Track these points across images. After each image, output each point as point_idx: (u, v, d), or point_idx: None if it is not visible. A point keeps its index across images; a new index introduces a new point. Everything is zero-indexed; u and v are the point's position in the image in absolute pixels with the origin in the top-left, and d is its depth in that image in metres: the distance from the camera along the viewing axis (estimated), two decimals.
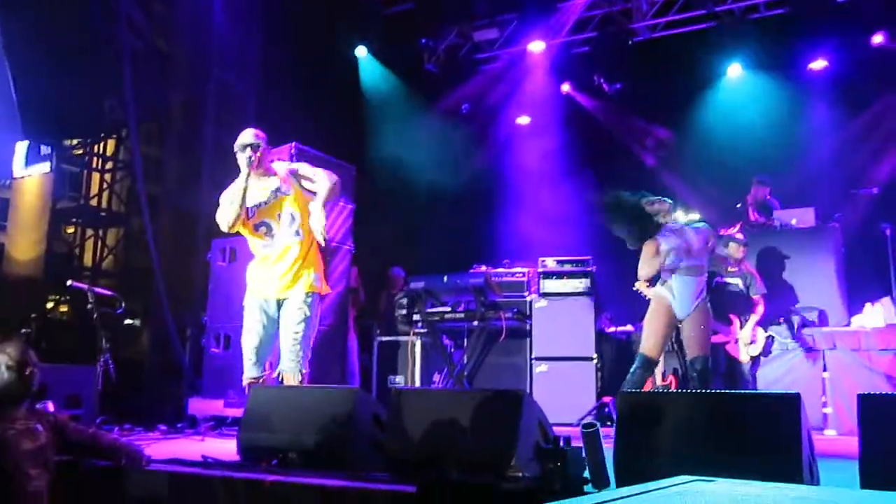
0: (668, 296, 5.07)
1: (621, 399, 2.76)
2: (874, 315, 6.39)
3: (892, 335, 6.06)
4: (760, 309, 6.42)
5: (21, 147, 6.82)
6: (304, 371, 4.03)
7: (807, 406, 2.61)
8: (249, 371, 4.10)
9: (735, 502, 1.83)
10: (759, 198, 7.67)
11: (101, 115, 6.64)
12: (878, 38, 8.18)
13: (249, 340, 4.13)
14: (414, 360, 7.12)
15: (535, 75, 9.85)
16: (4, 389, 3.00)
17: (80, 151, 9.51)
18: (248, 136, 4.20)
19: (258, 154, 4.14)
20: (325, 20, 9.27)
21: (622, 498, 1.54)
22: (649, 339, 5.10)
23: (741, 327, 6.34)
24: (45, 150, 6.54)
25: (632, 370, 5.12)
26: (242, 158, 4.16)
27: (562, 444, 2.73)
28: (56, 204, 9.82)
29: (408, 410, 3.28)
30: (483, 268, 7.43)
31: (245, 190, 4.12)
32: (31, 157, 6.99)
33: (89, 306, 4.87)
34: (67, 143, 8.93)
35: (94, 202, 9.78)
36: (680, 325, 5.14)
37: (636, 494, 1.72)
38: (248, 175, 4.12)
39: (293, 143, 5.89)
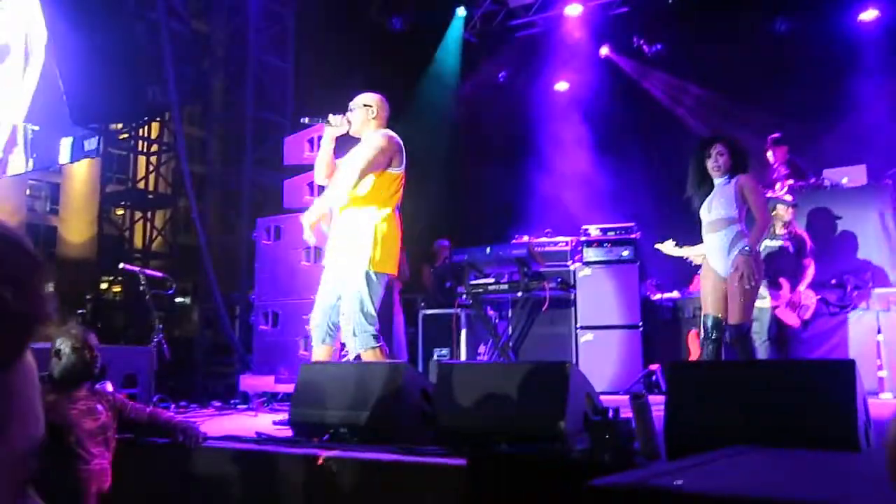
0: (707, 253, 4.89)
1: (672, 369, 2.74)
2: None
3: None
4: (811, 271, 6.27)
5: (66, 142, 6.97)
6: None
7: (861, 370, 2.55)
8: None
9: (784, 472, 1.81)
10: (781, 159, 7.45)
11: (144, 98, 6.74)
12: None
13: None
14: (459, 332, 7.15)
15: (573, 39, 9.68)
16: (68, 371, 3.11)
17: (126, 135, 9.67)
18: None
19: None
20: None
21: (677, 471, 1.53)
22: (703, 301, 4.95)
23: (791, 291, 6.22)
24: (89, 144, 6.66)
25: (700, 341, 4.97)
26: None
27: (610, 415, 2.72)
28: (105, 188, 10.03)
29: (455, 384, 3.31)
30: (525, 238, 7.39)
31: None
32: (76, 152, 7.13)
33: (141, 288, 4.99)
34: (113, 127, 9.09)
35: (141, 185, 9.97)
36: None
37: (689, 467, 1.71)
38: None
39: None
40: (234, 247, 8.17)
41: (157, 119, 9.46)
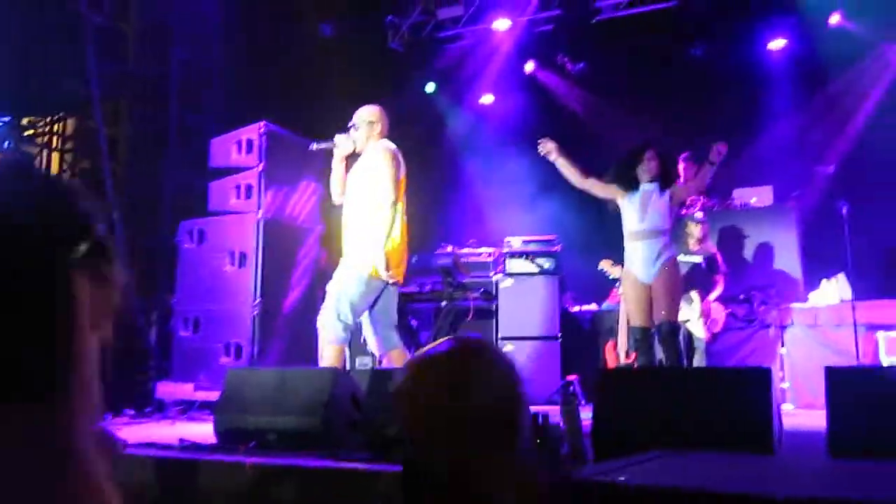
0: (629, 262, 5.10)
1: (600, 375, 2.83)
2: (830, 291, 6.59)
3: (845, 311, 6.26)
4: (720, 287, 6.57)
5: None
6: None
7: None
8: None
9: (709, 471, 1.91)
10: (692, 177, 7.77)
11: (60, 92, 6.49)
12: (835, 18, 8.36)
13: None
14: None
15: (500, 54, 9.85)
16: None
17: (34, 131, 9.25)
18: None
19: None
20: None
21: (612, 470, 1.60)
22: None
23: (701, 304, 6.49)
24: None
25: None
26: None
27: (540, 420, 2.79)
28: None
29: (385, 390, 3.32)
30: (450, 248, 7.46)
31: None
32: None
33: None
34: (25, 121, 8.69)
35: None
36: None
37: (622, 467, 1.78)
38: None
39: (261, 123, 5.84)
40: (152, 250, 7.93)
41: (74, 115, 9.10)
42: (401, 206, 4.43)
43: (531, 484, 1.27)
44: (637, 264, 4.97)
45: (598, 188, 5.20)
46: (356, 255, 4.30)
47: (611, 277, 6.58)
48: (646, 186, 5.01)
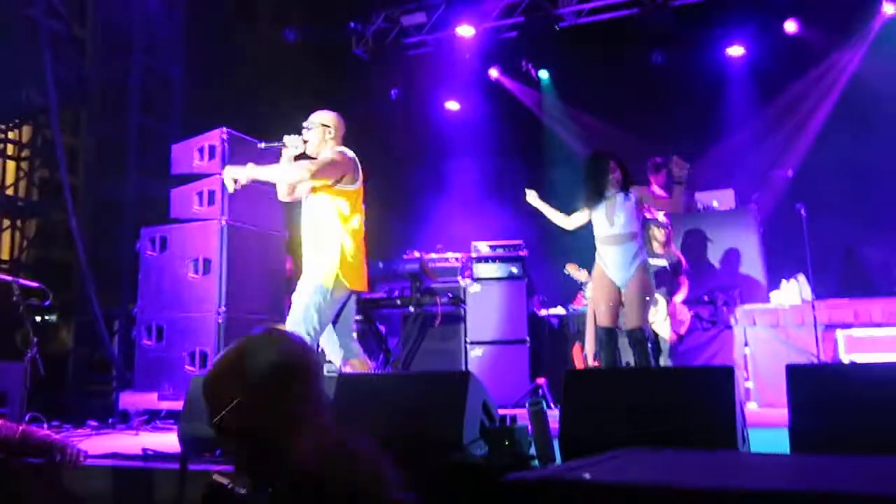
0: (601, 265, 5.16)
1: (567, 377, 2.85)
2: (790, 292, 6.70)
3: (807, 311, 6.37)
4: (685, 288, 6.66)
5: None
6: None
7: None
8: None
9: (675, 468, 1.93)
10: (661, 182, 7.84)
11: (17, 100, 6.37)
12: (791, 26, 8.55)
13: None
14: None
15: (464, 60, 9.89)
16: None
17: None
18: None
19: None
20: (250, 4, 9.10)
21: (579, 468, 1.61)
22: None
23: (667, 306, 6.57)
24: None
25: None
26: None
27: (507, 422, 2.79)
28: None
29: (352, 395, 3.30)
30: (416, 253, 7.45)
31: None
32: None
33: (14, 299, 4.68)
34: None
35: (9, 191, 9.35)
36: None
37: (589, 465, 1.79)
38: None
39: (223, 129, 5.79)
40: (113, 259, 7.80)
41: (29, 122, 8.93)
42: (359, 217, 4.35)
43: (329, 439, 1.68)
44: (611, 267, 5.04)
45: (580, 219, 5.28)
46: (312, 266, 4.22)
47: (578, 281, 6.65)
48: (611, 195, 5.09)
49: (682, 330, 6.59)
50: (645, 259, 5.08)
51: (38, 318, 10.38)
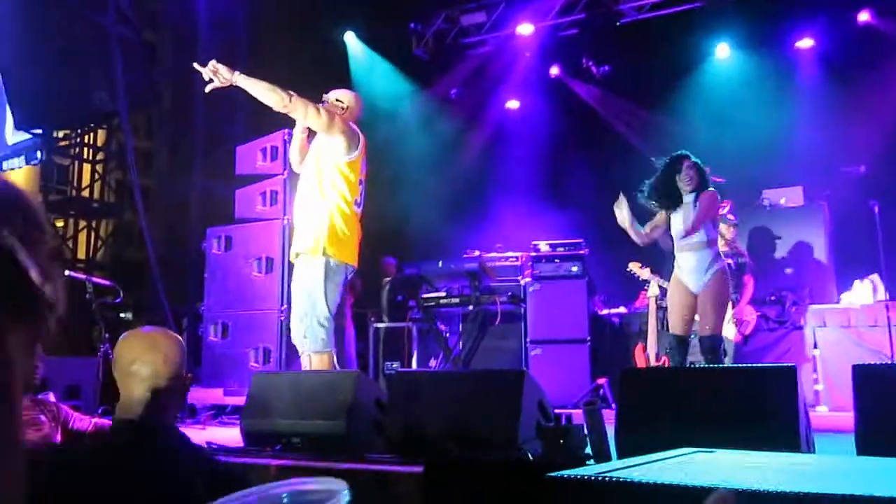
0: (677, 269, 5.05)
1: (623, 376, 2.81)
2: (863, 292, 6.47)
3: (880, 311, 6.15)
4: (750, 288, 6.49)
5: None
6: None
7: None
8: None
9: (736, 470, 1.89)
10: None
11: (90, 105, 6.62)
12: (863, 16, 8.24)
13: None
14: (410, 346, 7.17)
15: (524, 59, 9.85)
16: None
17: (67, 143, 9.46)
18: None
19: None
20: (313, 6, 9.24)
21: (625, 468, 1.59)
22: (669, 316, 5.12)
23: (732, 307, 6.41)
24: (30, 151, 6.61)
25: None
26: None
27: (563, 421, 2.78)
28: (48, 196, 9.76)
29: (409, 393, 3.33)
30: (476, 252, 7.46)
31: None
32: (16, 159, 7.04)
33: (87, 296, 4.87)
34: (55, 134, 8.89)
35: (85, 193, 9.74)
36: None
37: (638, 465, 1.76)
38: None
39: (285, 131, 5.90)
40: (182, 258, 8.04)
41: (103, 126, 9.28)
42: (352, 194, 4.21)
43: None
44: (686, 273, 4.95)
45: (657, 228, 5.15)
46: (303, 242, 4.11)
47: (640, 279, 6.54)
48: (687, 198, 4.99)
49: (748, 331, 6.43)
50: (723, 266, 4.92)
51: (120, 315, 10.80)
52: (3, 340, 0.62)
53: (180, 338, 2.08)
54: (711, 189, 5.00)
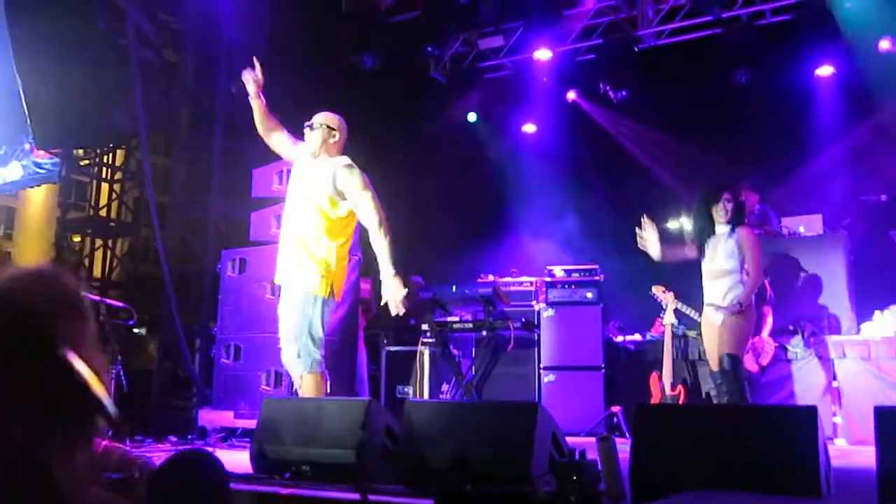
0: (707, 303, 5.03)
1: (638, 411, 2.76)
2: (884, 323, 6.36)
3: None
4: (770, 319, 6.41)
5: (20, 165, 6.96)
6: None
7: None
8: None
9: None
10: (750, 206, 7.63)
11: (110, 124, 6.67)
12: (884, 44, 8.17)
13: None
14: (422, 370, 7.12)
15: (541, 83, 9.86)
16: None
17: (87, 161, 9.55)
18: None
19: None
20: (330, 30, 9.31)
21: None
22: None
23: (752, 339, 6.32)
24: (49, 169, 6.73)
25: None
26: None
27: (577, 456, 2.72)
28: (66, 214, 9.85)
29: (421, 422, 3.28)
30: (491, 277, 7.43)
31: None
32: (35, 177, 7.11)
33: (101, 318, 4.89)
34: (75, 153, 8.98)
35: (102, 212, 9.82)
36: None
37: None
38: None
39: None
40: (197, 278, 8.06)
41: (122, 146, 9.37)
42: (350, 230, 4.20)
43: None
44: (712, 303, 4.94)
45: (680, 250, 5.12)
46: (297, 274, 4.04)
47: (664, 304, 6.44)
48: (720, 229, 4.96)
49: (765, 361, 6.33)
50: (740, 299, 4.86)
51: (134, 330, 10.85)
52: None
53: None
54: (748, 227, 4.98)
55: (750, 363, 6.28)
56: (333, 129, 4.21)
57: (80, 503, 0.64)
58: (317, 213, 4.11)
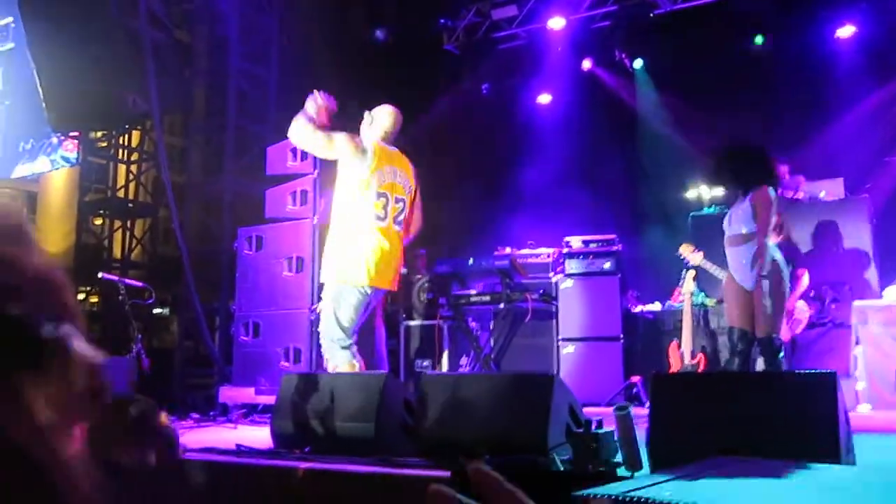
0: (729, 268, 4.91)
1: (655, 380, 2.74)
2: None
3: None
4: (805, 281, 6.19)
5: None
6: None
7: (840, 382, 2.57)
8: None
9: (772, 483, 1.82)
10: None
11: (125, 106, 6.70)
12: None
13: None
14: (441, 344, 7.14)
15: (555, 53, 9.74)
16: None
17: (105, 144, 9.60)
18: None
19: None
20: (343, 5, 9.24)
21: (654, 485, 1.53)
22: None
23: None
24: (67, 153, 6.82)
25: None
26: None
27: (593, 426, 2.72)
28: (84, 196, 9.92)
29: (438, 396, 3.29)
30: (508, 249, 7.40)
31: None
32: (54, 161, 7.19)
33: (120, 297, 4.93)
34: (92, 135, 9.02)
35: (121, 193, 9.88)
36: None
37: (668, 480, 1.71)
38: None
39: None
40: (215, 257, 8.11)
41: (138, 128, 9.40)
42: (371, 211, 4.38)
43: None
44: (735, 270, 4.82)
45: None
46: (324, 265, 4.32)
47: (689, 265, 6.24)
48: (739, 193, 4.85)
49: (799, 330, 6.21)
50: (772, 258, 4.68)
51: (155, 311, 10.96)
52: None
53: None
54: (763, 187, 4.74)
55: (784, 331, 6.15)
56: (371, 115, 4.53)
57: (46, 459, 0.59)
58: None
